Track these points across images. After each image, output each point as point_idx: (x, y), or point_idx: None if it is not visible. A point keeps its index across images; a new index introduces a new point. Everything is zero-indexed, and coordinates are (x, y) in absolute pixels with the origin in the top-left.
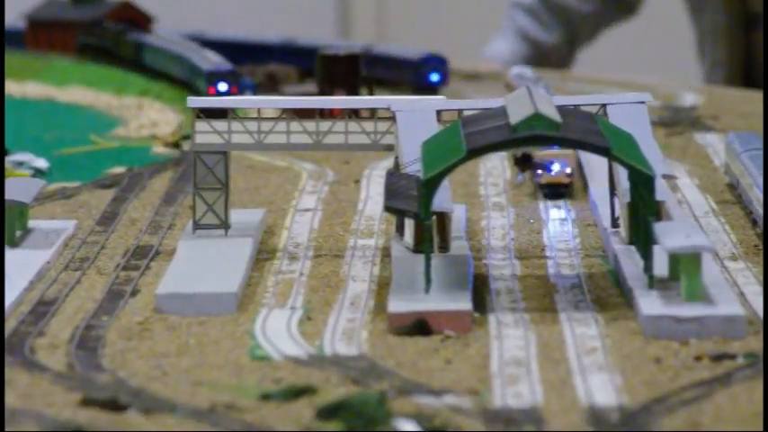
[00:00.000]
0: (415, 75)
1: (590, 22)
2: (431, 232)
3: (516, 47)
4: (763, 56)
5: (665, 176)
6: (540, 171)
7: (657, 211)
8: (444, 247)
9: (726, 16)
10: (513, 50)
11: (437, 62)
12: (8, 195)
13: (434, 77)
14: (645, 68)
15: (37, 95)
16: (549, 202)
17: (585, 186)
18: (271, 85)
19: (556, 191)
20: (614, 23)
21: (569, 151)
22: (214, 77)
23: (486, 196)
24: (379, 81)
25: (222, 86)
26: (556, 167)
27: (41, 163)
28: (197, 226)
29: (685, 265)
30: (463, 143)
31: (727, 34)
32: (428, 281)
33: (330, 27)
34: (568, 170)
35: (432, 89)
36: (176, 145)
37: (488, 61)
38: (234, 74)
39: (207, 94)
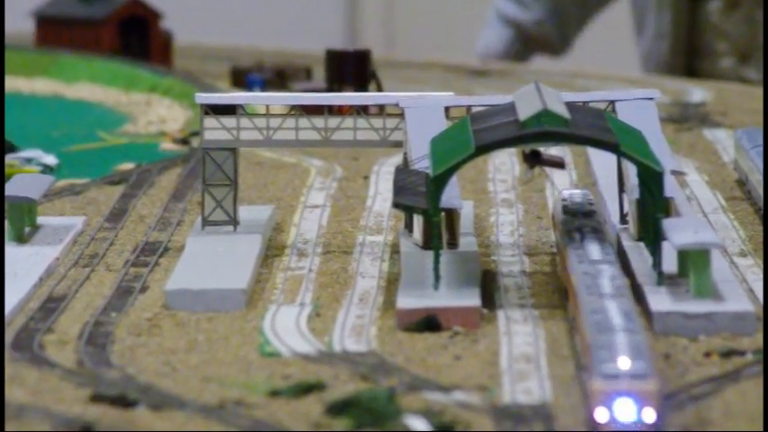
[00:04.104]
0: None
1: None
2: (439, 229)
3: (501, 33)
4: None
5: (673, 173)
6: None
7: (666, 208)
8: (453, 243)
9: None
10: (500, 38)
11: None
12: (17, 192)
13: None
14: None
15: (45, 92)
16: None
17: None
18: (279, 82)
19: None
20: (606, 3)
21: (651, 387)
22: None
23: (495, 192)
24: None
25: None
26: (625, 409)
27: (50, 159)
28: (206, 222)
29: (694, 261)
30: (472, 140)
31: (673, 4)
32: (437, 277)
33: (338, 31)
34: (651, 417)
35: None
36: (185, 141)
37: (483, 57)
38: None
39: None
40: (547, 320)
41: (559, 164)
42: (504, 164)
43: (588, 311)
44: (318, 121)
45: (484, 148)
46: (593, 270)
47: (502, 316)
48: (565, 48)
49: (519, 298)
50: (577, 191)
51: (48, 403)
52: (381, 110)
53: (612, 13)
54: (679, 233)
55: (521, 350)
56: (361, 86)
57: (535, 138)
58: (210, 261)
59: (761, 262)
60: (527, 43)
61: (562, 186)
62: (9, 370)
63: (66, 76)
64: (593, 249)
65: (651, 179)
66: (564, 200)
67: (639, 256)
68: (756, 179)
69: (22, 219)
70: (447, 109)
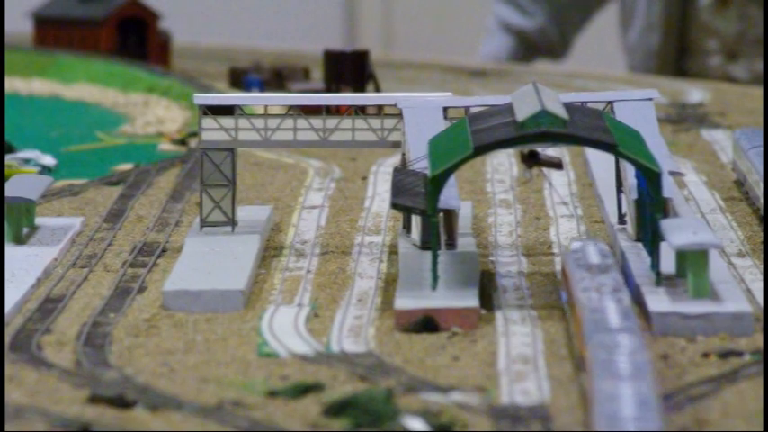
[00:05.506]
0: None
1: (577, 2)
2: (437, 229)
3: (503, 41)
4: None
5: (672, 173)
6: None
7: (664, 208)
8: (451, 243)
9: None
10: (502, 45)
11: None
12: (15, 192)
13: None
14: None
15: (43, 92)
16: None
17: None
18: (277, 82)
19: None
20: (605, 3)
21: None
22: None
23: (493, 193)
24: None
25: None
26: None
27: (48, 160)
28: (204, 223)
29: (692, 261)
30: (470, 140)
31: None
32: (435, 278)
33: (336, 32)
34: None
35: None
36: (183, 142)
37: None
38: None
39: None
40: (545, 321)
41: (557, 164)
42: (503, 164)
43: (602, 399)
44: (316, 122)
45: (482, 149)
46: (611, 342)
47: (500, 316)
48: (565, 51)
49: (517, 298)
50: (592, 243)
51: (46, 404)
52: (379, 110)
53: (610, 12)
54: (677, 233)
55: (519, 351)
56: (360, 87)
57: (533, 138)
58: (208, 262)
59: (759, 262)
60: (529, 49)
61: (571, 232)
62: (7, 370)
63: (65, 76)
64: (613, 315)
65: (649, 179)
66: (577, 253)
67: (637, 257)
68: (754, 180)
69: (20, 219)
70: (445, 109)
